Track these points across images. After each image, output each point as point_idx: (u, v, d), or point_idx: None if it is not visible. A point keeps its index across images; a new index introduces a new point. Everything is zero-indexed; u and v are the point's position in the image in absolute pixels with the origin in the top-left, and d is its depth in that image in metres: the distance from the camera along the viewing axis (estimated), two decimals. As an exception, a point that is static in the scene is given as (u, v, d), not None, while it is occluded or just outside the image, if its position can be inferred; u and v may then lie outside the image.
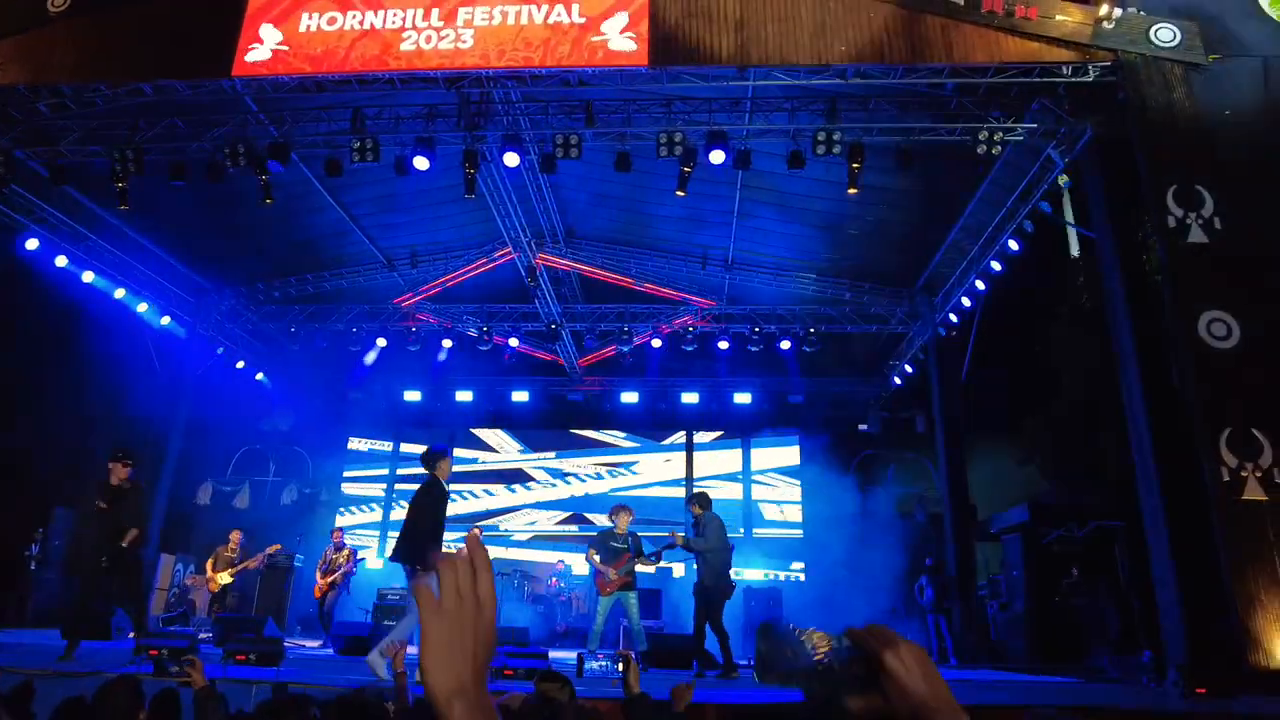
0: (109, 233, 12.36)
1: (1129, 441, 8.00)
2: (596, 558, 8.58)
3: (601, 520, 16.60)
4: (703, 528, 8.40)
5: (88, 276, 12.08)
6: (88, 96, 9.50)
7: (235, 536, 11.50)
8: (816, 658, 1.05)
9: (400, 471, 17.64)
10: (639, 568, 8.58)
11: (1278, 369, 7.22)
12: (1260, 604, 6.70)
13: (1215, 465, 6.98)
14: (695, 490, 8.69)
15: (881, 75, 8.87)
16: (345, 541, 11.81)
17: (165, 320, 13.81)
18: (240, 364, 15.81)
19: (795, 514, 16.34)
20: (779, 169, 9.88)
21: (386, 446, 17.79)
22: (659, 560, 9.12)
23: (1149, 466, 7.65)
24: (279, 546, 11.65)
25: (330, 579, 11.09)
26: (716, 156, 9.35)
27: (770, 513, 16.48)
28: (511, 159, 9.73)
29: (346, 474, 17.49)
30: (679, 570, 15.07)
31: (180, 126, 10.00)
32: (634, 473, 17.23)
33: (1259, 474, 6.98)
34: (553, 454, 17.44)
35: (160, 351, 14.04)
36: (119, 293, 12.68)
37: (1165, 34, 8.29)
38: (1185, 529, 7.28)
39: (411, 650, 7.28)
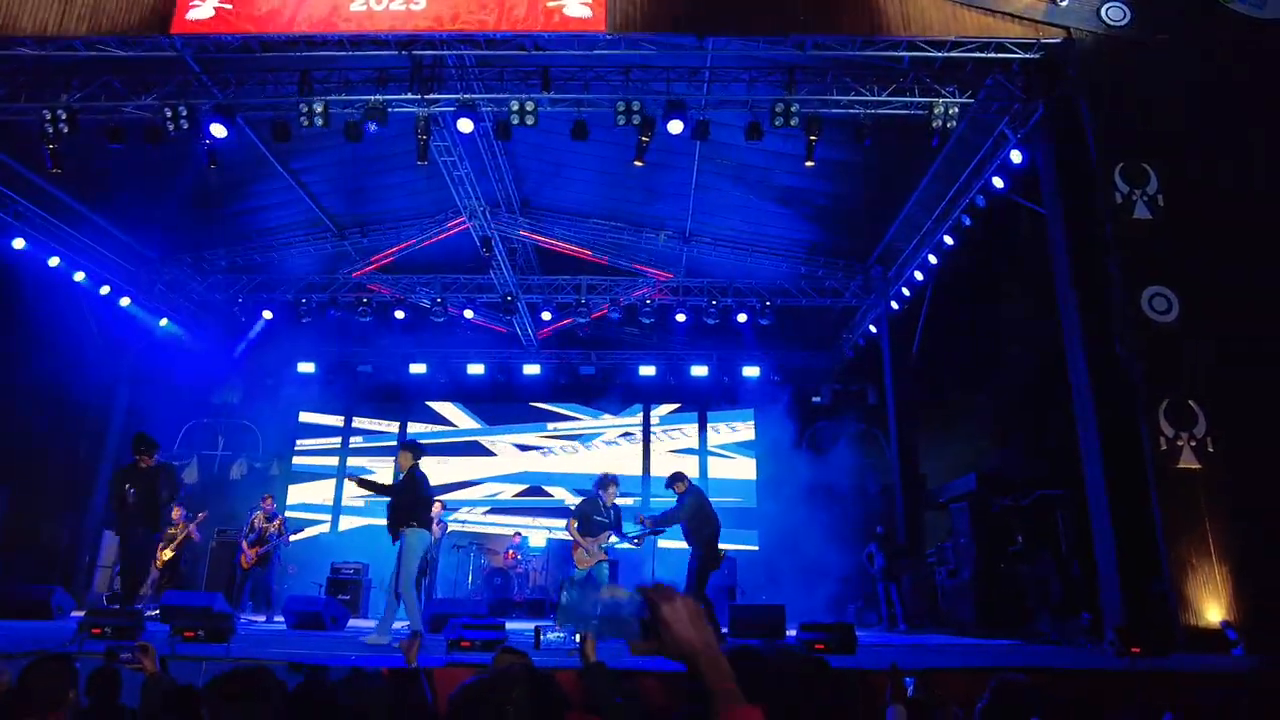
0: (40, 197, 11.80)
1: (1074, 413, 8.24)
2: (575, 529, 8.40)
3: (560, 494, 16.63)
4: (680, 503, 8.34)
5: (18, 243, 11.54)
6: (13, 52, 8.99)
7: (175, 513, 11.21)
8: (610, 606, 1.29)
9: (354, 444, 17.39)
10: (622, 546, 8.55)
11: (1214, 342, 7.49)
12: (1192, 567, 7.01)
13: (1154, 435, 7.24)
14: (673, 471, 8.61)
15: (839, 47, 8.86)
16: (276, 510, 11.54)
17: (104, 290, 13.28)
18: (185, 335, 15.33)
19: (749, 485, 16.54)
20: (737, 141, 9.84)
21: (339, 420, 17.50)
22: (639, 543, 9.07)
23: (1092, 437, 7.90)
24: (204, 514, 11.32)
25: (262, 550, 10.88)
26: (675, 126, 9.28)
27: (724, 484, 16.65)
28: (465, 125, 9.52)
29: (298, 448, 17.17)
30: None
31: (116, 86, 9.55)
32: (591, 446, 17.23)
33: (1194, 443, 7.27)
34: (509, 427, 17.35)
35: (100, 323, 13.54)
36: (53, 261, 12.14)
37: (1116, 13, 8.44)
38: (1124, 497, 7.55)
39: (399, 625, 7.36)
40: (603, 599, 1.28)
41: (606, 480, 8.57)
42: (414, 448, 7.38)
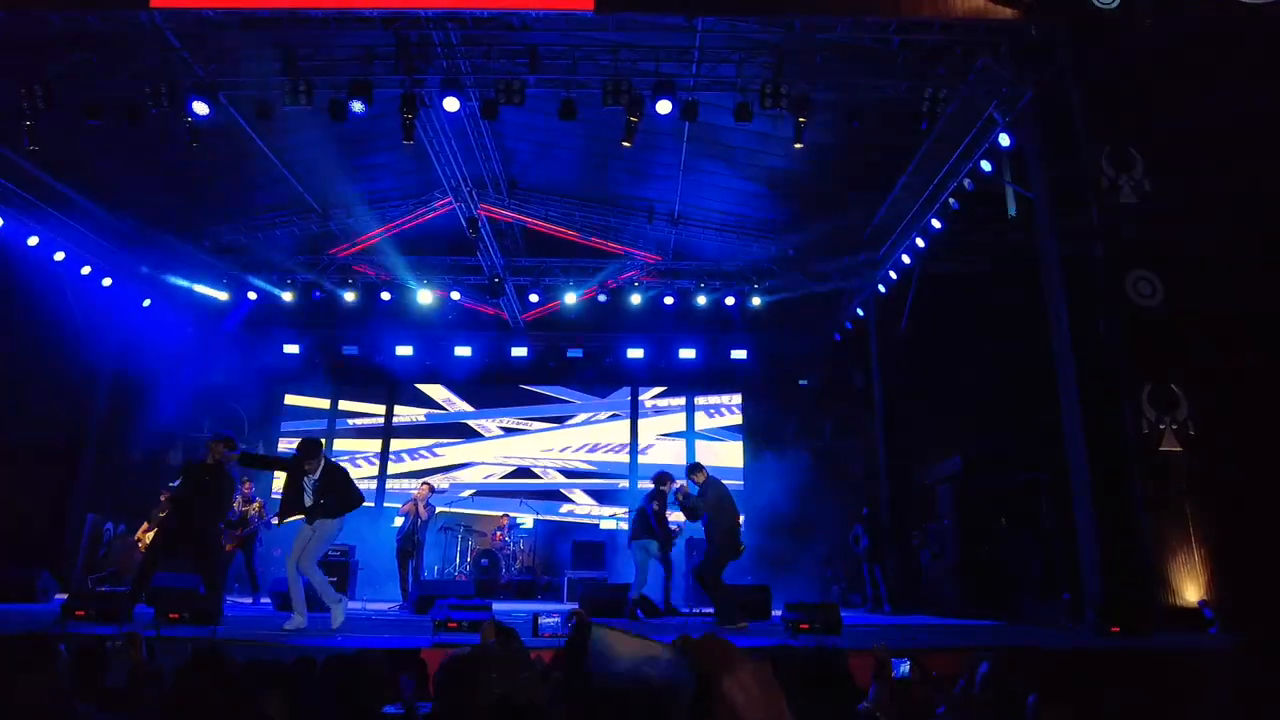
0: (18, 175, 11.57)
1: (1058, 396, 8.30)
2: (657, 510, 9.15)
3: (548, 476, 16.66)
4: (704, 493, 8.34)
5: (-5, 222, 11.37)
6: (-12, 25, 8.79)
7: (165, 498, 11.16)
8: (630, 668, 0.86)
9: (340, 427, 17.32)
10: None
11: (1196, 327, 7.56)
12: (1171, 548, 7.12)
13: (1137, 418, 7.32)
14: (692, 462, 8.94)
15: (829, 29, 8.81)
16: (255, 494, 11.51)
17: (85, 270, 13.10)
18: (169, 317, 15.17)
19: (736, 467, 16.59)
20: (726, 122, 9.79)
21: (324, 404, 17.41)
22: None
23: (1075, 419, 7.97)
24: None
25: (243, 533, 10.85)
26: (663, 106, 9.21)
27: (711, 467, 16.69)
28: (451, 104, 9.41)
29: (284, 430, 17.07)
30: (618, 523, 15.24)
31: (94, 62, 9.36)
32: (579, 428, 17.24)
33: (1175, 426, 7.36)
34: (497, 410, 17.32)
35: (82, 304, 13.37)
36: (32, 240, 11.94)
37: (1106, -5, 8.41)
38: (1106, 479, 7.64)
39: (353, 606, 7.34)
40: (624, 655, 0.85)
41: (665, 476, 9.32)
42: (317, 443, 7.32)
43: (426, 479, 12.16)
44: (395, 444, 17.13)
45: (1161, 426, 7.37)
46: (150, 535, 10.79)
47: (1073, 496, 8.03)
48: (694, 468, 8.61)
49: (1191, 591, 7.04)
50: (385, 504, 16.14)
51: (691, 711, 0.85)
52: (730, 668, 0.87)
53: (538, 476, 16.79)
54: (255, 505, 11.12)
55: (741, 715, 0.85)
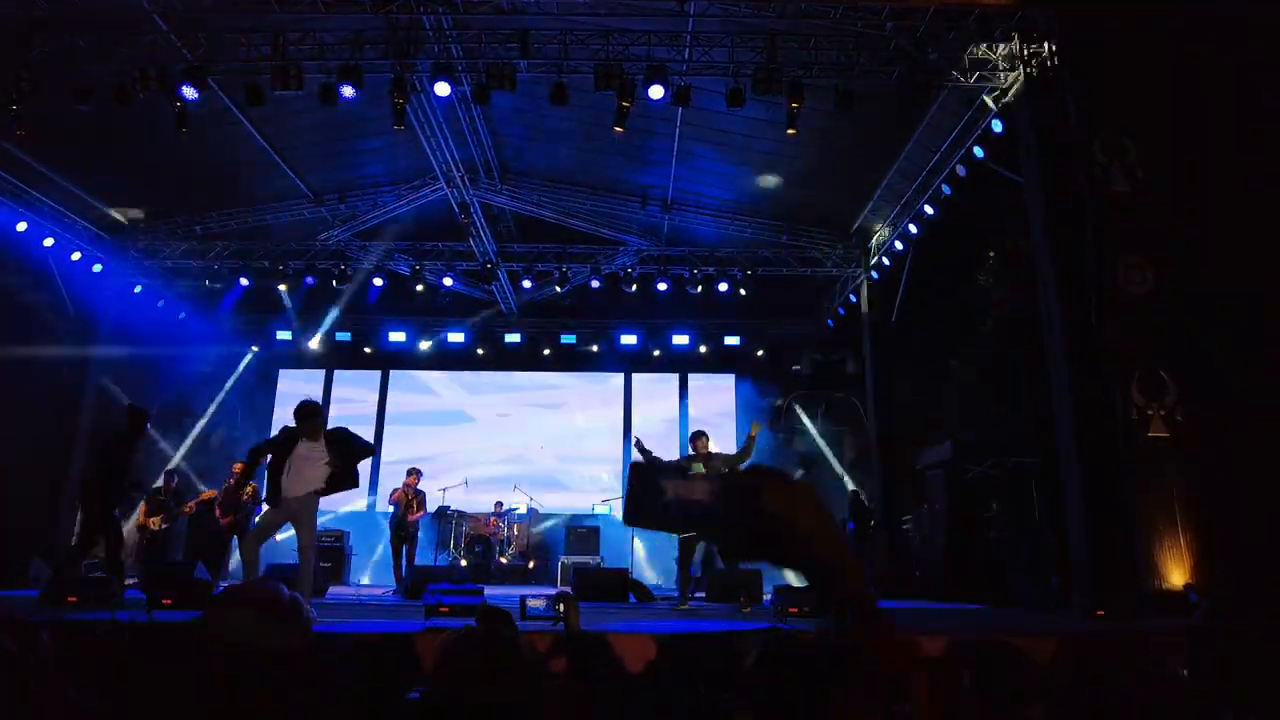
0: (5, 160, 11.48)
1: (1049, 382, 8.34)
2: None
3: (542, 461, 16.70)
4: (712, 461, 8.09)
5: (-16, 207, 11.29)
6: (-28, 8, 8.70)
7: (169, 479, 11.19)
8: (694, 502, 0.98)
9: (332, 413, 17.31)
10: None
11: (1187, 313, 7.59)
12: (1158, 533, 7.18)
13: (1127, 404, 7.36)
14: (696, 430, 8.62)
15: (822, 15, 8.76)
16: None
17: (76, 256, 13.02)
18: (161, 303, 15.12)
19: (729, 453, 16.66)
20: (719, 107, 9.75)
21: (317, 390, 17.38)
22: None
23: (1065, 405, 8.01)
24: (213, 493, 11.31)
25: (234, 516, 10.82)
26: (655, 91, 9.16)
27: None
28: (442, 89, 9.34)
29: (276, 416, 17.06)
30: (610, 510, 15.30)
31: (81, 46, 9.27)
32: (572, 413, 17.27)
33: (1163, 412, 7.40)
34: (491, 395, 17.34)
35: (72, 290, 13.30)
36: (20, 226, 11.86)
37: (1099, -20, 8.38)
38: (1095, 464, 7.69)
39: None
40: (676, 495, 0.97)
41: (696, 434, 8.60)
42: (315, 407, 6.88)
43: (414, 466, 12.17)
44: (388, 430, 17.14)
45: (1150, 413, 7.41)
46: (153, 518, 10.79)
47: (1062, 482, 8.09)
48: (697, 434, 8.48)
49: (1178, 576, 7.10)
50: (379, 490, 16.17)
51: (729, 536, 0.98)
52: (773, 483, 0.98)
53: (532, 461, 16.83)
54: (249, 489, 11.11)
55: (803, 527, 0.93)
